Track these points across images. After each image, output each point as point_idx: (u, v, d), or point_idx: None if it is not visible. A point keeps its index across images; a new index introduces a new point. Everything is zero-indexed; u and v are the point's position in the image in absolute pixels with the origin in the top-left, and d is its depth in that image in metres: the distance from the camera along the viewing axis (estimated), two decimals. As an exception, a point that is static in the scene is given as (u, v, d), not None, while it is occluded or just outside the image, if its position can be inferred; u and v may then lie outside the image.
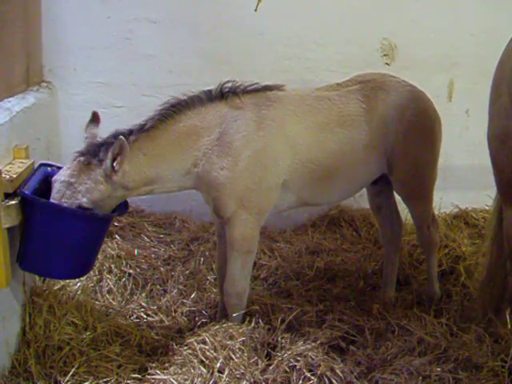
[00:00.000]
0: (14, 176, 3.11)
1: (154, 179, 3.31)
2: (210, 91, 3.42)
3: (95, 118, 3.33)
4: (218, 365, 3.05)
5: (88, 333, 3.40)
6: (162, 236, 4.81)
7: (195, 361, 3.10)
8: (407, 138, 3.73)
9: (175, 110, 3.33)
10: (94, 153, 3.15)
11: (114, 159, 3.10)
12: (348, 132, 3.60)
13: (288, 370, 3.10)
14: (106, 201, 3.19)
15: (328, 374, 3.07)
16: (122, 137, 3.08)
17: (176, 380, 2.99)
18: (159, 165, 3.28)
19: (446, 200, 4.87)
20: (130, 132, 3.25)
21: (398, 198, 4.09)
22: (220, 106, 3.40)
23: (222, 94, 3.42)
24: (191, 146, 3.33)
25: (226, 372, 3.02)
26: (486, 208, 5.05)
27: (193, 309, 3.93)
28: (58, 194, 3.10)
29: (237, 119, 3.38)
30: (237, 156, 3.34)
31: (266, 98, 3.49)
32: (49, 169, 3.45)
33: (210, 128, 3.35)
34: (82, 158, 3.14)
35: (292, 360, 3.13)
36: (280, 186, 3.48)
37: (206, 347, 3.16)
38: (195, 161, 3.34)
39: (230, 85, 3.44)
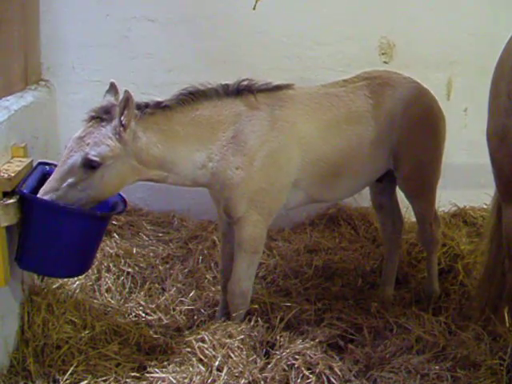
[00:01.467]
0: (13, 174, 3.10)
1: (169, 164, 3.25)
2: (227, 86, 3.40)
3: (113, 88, 3.26)
4: (217, 363, 3.05)
5: (86, 331, 3.39)
6: (160, 234, 4.81)
7: (194, 359, 3.11)
8: (413, 133, 3.75)
9: (193, 97, 3.30)
10: (106, 110, 3.11)
11: (121, 113, 3.05)
12: (356, 128, 3.61)
13: (286, 368, 3.10)
14: (118, 165, 3.09)
15: (326, 372, 3.07)
16: (127, 90, 3.02)
17: (175, 378, 2.99)
18: (175, 147, 3.23)
19: (444, 198, 4.86)
20: (147, 105, 3.22)
21: (399, 196, 4.10)
22: (235, 102, 3.39)
23: (238, 91, 3.40)
24: (206, 138, 3.30)
25: (225, 370, 3.02)
26: (485, 206, 5.06)
27: (191, 307, 3.93)
28: (67, 151, 3.07)
29: (251, 119, 3.37)
30: (252, 156, 3.33)
31: (277, 98, 3.49)
32: (47, 167, 3.45)
33: (226, 124, 3.34)
34: (93, 114, 3.11)
35: (290, 358, 3.14)
36: (291, 186, 3.49)
37: (205, 345, 3.16)
38: (210, 155, 3.31)
39: (246, 83, 3.43)
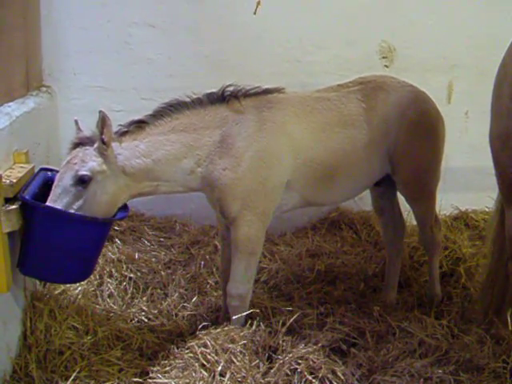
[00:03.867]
0: (15, 181, 3.11)
1: (157, 173, 3.31)
2: (211, 94, 3.45)
3: (77, 127, 3.34)
4: (220, 368, 3.04)
5: (89, 337, 3.40)
6: (162, 240, 4.81)
7: (196, 364, 3.10)
8: (409, 138, 3.75)
9: (172, 108, 3.37)
10: (87, 137, 3.22)
11: (101, 132, 3.15)
12: (348, 131, 3.62)
13: (289, 372, 3.09)
14: (109, 182, 3.17)
15: (329, 376, 3.06)
16: (101, 110, 3.14)
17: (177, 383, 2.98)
18: (159, 156, 3.29)
19: (445, 202, 4.87)
20: (121, 126, 3.32)
21: (400, 199, 4.10)
22: (221, 108, 3.43)
23: (223, 97, 3.44)
24: (192, 143, 3.35)
25: (228, 375, 3.01)
26: (486, 209, 5.06)
27: (194, 312, 3.93)
28: (58, 175, 3.17)
29: (238, 122, 3.41)
30: (239, 157, 3.36)
31: (266, 101, 3.52)
32: (49, 173, 3.46)
33: (210, 128, 3.38)
34: (76, 141, 3.22)
35: (293, 363, 3.13)
36: (284, 186, 3.50)
37: (208, 351, 3.15)
38: (198, 160, 3.36)
39: (231, 88, 3.47)
